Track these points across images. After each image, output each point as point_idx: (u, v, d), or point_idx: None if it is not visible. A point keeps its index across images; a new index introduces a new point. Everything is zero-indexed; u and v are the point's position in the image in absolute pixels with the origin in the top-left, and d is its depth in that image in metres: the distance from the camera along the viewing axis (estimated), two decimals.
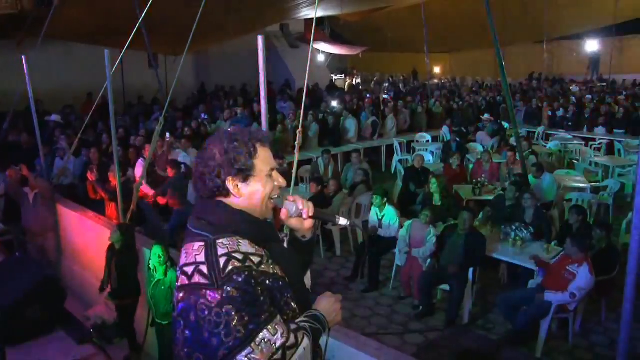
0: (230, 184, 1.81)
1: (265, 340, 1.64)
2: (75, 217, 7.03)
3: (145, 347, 5.46)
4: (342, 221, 2.01)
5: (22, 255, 6.20)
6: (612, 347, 5.65)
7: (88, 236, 6.82)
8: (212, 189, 1.82)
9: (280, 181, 1.92)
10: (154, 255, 4.84)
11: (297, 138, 4.71)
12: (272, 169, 1.88)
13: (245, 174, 1.81)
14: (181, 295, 1.71)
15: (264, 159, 1.85)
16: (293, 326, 1.78)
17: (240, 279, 1.65)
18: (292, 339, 1.71)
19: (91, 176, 7.56)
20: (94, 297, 6.49)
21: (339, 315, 2.02)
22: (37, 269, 5.75)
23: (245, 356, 1.61)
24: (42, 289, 5.42)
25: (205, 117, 13.69)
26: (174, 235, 7.80)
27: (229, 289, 1.62)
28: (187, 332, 1.68)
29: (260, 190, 1.84)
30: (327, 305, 1.99)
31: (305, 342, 1.76)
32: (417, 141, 13.71)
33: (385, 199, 7.26)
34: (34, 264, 5.99)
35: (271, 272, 1.79)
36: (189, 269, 1.71)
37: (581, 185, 9.20)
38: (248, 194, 1.84)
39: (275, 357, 1.65)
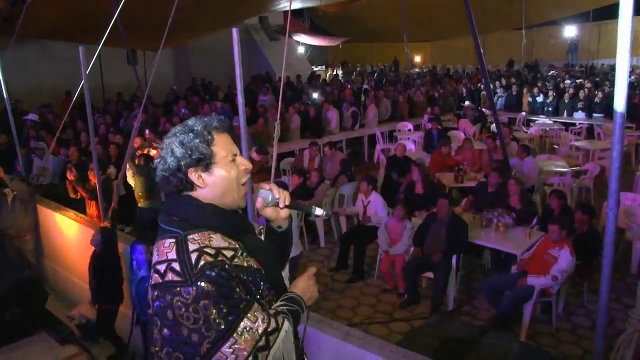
0: (192, 175, 1.78)
1: (247, 328, 1.63)
2: (55, 217, 6.96)
3: (131, 345, 5.43)
4: (318, 211, 2.01)
5: (0, 257, 6.11)
6: (595, 329, 5.67)
7: (69, 236, 6.76)
8: (176, 184, 1.79)
9: (246, 164, 1.89)
10: (136, 253, 4.81)
11: (276, 130, 4.70)
12: (235, 154, 1.85)
13: (205, 162, 1.78)
14: (156, 293, 1.68)
15: (222, 145, 1.82)
16: (271, 312, 1.77)
17: (213, 274, 1.63)
18: (273, 324, 1.71)
19: (70, 175, 7.47)
20: (77, 297, 6.44)
21: (315, 292, 1.99)
22: (16, 270, 5.68)
23: (229, 347, 1.60)
24: (21, 290, 5.35)
25: (186, 112, 13.58)
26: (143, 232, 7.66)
27: (203, 284, 1.61)
28: (165, 330, 1.66)
29: (225, 176, 1.81)
30: (302, 284, 1.97)
31: (286, 325, 1.76)
32: (399, 130, 13.75)
33: (371, 186, 7.29)
34: (13, 265, 5.92)
35: (245, 265, 1.77)
36: (161, 267, 1.69)
37: (562, 169, 9.28)
38: (213, 182, 1.81)
39: (259, 344, 1.65)
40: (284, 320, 1.76)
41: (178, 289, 1.62)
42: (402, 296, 6.49)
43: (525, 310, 5.56)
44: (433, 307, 6.13)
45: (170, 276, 1.65)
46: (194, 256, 1.65)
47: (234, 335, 1.61)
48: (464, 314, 6.17)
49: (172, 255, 1.68)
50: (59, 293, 6.92)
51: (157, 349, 1.70)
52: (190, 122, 1.84)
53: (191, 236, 1.71)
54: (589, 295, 6.19)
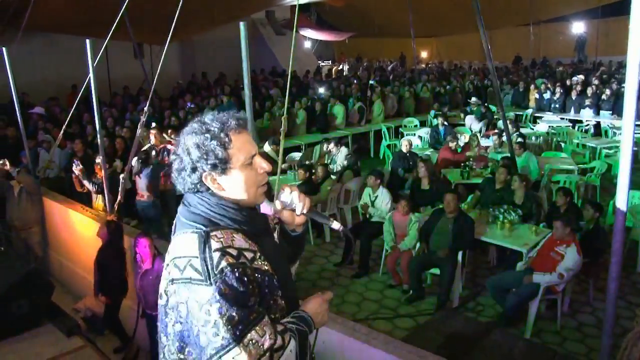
0: (207, 179, 1.73)
1: (253, 341, 1.60)
2: (62, 209, 6.98)
3: (136, 338, 5.45)
4: (335, 225, 1.97)
5: (7, 249, 6.15)
6: (600, 327, 5.67)
7: (75, 229, 6.78)
8: (191, 185, 1.75)
9: (265, 166, 1.81)
10: (140, 246, 4.81)
11: (283, 125, 4.69)
12: (252, 156, 1.78)
13: (221, 167, 1.72)
14: (173, 287, 1.67)
15: (240, 146, 1.75)
16: (280, 327, 1.73)
17: (233, 276, 1.60)
18: (279, 341, 1.67)
19: (76, 170, 7.47)
20: (83, 289, 6.47)
21: (325, 316, 1.94)
22: (23, 263, 5.72)
23: (233, 358, 1.58)
24: (28, 283, 5.40)
25: (192, 105, 13.59)
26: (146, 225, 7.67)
27: (221, 286, 1.58)
28: (178, 325, 1.67)
29: (241, 180, 1.75)
30: (315, 305, 1.91)
31: (292, 345, 1.72)
32: (405, 126, 13.71)
33: (379, 180, 7.29)
34: (19, 258, 5.96)
35: (263, 268, 1.74)
36: (181, 262, 1.66)
37: (568, 166, 9.24)
38: (229, 187, 1.76)
39: (262, 359, 1.62)
40: (290, 339, 1.72)
41: (195, 286, 1.60)
42: (406, 293, 6.48)
43: (531, 308, 5.55)
44: (438, 303, 6.12)
45: (189, 273, 1.62)
46: (216, 256, 1.62)
47: (240, 345, 1.58)
48: (468, 311, 6.16)
49: (194, 252, 1.64)
50: (64, 285, 6.95)
51: (168, 342, 1.71)
52: (208, 119, 1.77)
53: (214, 233, 1.67)
54: (595, 293, 6.18)
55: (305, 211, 1.91)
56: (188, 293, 1.62)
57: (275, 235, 1.99)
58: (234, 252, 1.65)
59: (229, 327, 1.57)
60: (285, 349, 1.69)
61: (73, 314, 5.89)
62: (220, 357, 1.58)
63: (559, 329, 5.71)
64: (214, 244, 1.64)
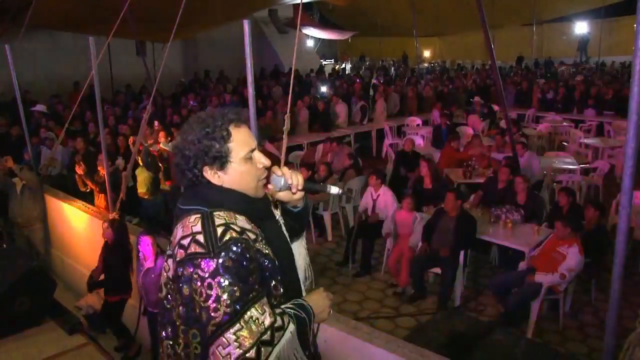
0: (207, 173, 1.76)
1: (254, 318, 1.61)
2: (64, 207, 6.98)
3: (138, 336, 5.45)
4: (334, 190, 1.98)
5: (9, 246, 6.15)
6: (602, 327, 5.65)
7: (77, 226, 6.78)
8: (192, 179, 1.77)
9: (264, 161, 1.83)
10: (142, 244, 4.81)
11: (286, 123, 4.67)
12: (252, 150, 1.80)
13: (221, 161, 1.74)
14: (180, 270, 1.67)
15: (240, 141, 1.77)
16: (278, 310, 1.75)
17: (237, 249, 1.62)
18: (279, 321, 1.68)
19: (79, 169, 7.47)
20: (84, 287, 6.46)
21: (325, 312, 1.93)
22: (25, 260, 5.72)
23: (234, 333, 1.58)
24: (30, 280, 5.40)
25: (195, 104, 13.59)
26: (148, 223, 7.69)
27: (224, 258, 1.59)
28: (181, 308, 1.68)
29: (241, 175, 1.78)
30: (318, 298, 1.92)
31: (292, 327, 1.72)
32: (408, 125, 13.70)
33: (380, 180, 7.28)
34: (22, 255, 5.96)
35: (265, 251, 1.76)
36: (186, 241, 1.67)
37: (571, 166, 9.23)
38: (228, 180, 1.78)
39: (264, 337, 1.62)
40: (289, 322, 1.72)
41: (199, 260, 1.61)
42: (401, 295, 6.45)
43: (533, 308, 5.54)
44: (440, 302, 6.11)
45: (193, 248, 1.64)
46: (220, 229, 1.64)
47: (241, 321, 1.59)
48: (470, 310, 6.16)
49: (197, 228, 1.67)
50: (66, 283, 6.95)
51: (169, 332, 1.73)
52: (207, 114, 1.80)
53: (217, 212, 1.70)
54: (597, 294, 6.17)
55: (300, 187, 1.91)
56: (192, 269, 1.62)
57: (278, 213, 1.99)
58: (238, 229, 1.67)
59: (230, 302, 1.58)
60: (286, 330, 1.69)
61: (75, 311, 5.89)
62: (222, 332, 1.58)
63: (560, 329, 5.71)
64: (217, 220, 1.67)
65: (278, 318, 1.68)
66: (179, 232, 1.73)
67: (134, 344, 5.51)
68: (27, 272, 5.41)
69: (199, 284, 1.60)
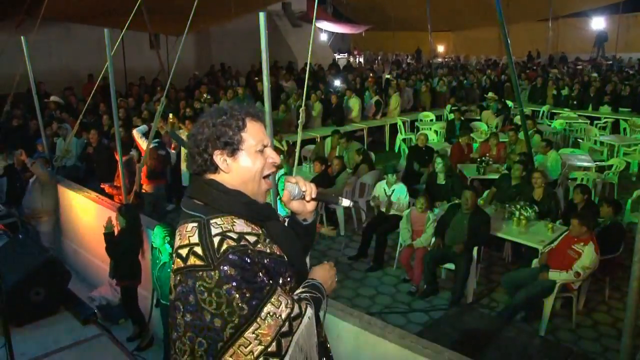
0: (217, 158, 1.75)
1: (271, 313, 1.62)
2: (77, 198, 7.02)
3: (150, 327, 5.48)
4: (345, 202, 1.97)
5: (25, 237, 6.20)
6: (615, 325, 5.65)
7: (90, 217, 6.81)
8: (201, 164, 1.77)
9: (274, 157, 1.84)
10: (158, 237, 4.82)
11: (300, 117, 4.66)
12: (264, 145, 1.81)
13: (232, 147, 1.75)
14: (178, 278, 1.67)
15: (253, 133, 1.78)
16: (294, 297, 1.76)
17: (236, 258, 1.61)
18: (296, 309, 1.69)
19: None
20: (98, 278, 6.51)
21: (334, 282, 1.99)
22: (40, 250, 5.77)
23: (253, 332, 1.59)
24: (45, 270, 5.44)
25: (208, 96, 13.61)
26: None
27: (225, 268, 1.59)
28: (188, 316, 1.66)
29: (249, 166, 1.77)
30: (323, 272, 1.96)
31: (309, 312, 1.74)
32: (421, 120, 13.65)
33: (395, 176, 7.27)
34: (37, 246, 6.00)
35: (268, 251, 1.75)
36: (183, 251, 1.67)
37: (586, 164, 9.14)
38: (237, 170, 1.77)
39: (282, 329, 1.63)
40: (306, 307, 1.74)
41: (200, 273, 1.61)
42: (413, 294, 6.42)
43: (546, 305, 5.51)
44: (453, 298, 6.09)
45: (192, 260, 1.63)
46: (216, 240, 1.63)
47: (258, 320, 1.60)
48: (483, 307, 6.13)
49: (195, 239, 1.66)
50: (79, 274, 7.00)
51: (179, 334, 1.70)
52: (227, 106, 1.82)
53: (214, 220, 1.69)
54: (610, 292, 6.12)
55: (314, 195, 1.92)
56: (194, 281, 1.62)
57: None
58: (235, 236, 1.66)
59: (243, 304, 1.58)
60: (304, 316, 1.71)
61: (89, 302, 5.93)
62: (240, 334, 1.59)
63: (574, 327, 5.67)
64: (214, 230, 1.66)
65: (295, 306, 1.70)
66: (177, 239, 1.74)
67: (146, 334, 5.54)
68: (43, 262, 5.45)
69: (205, 294, 1.60)
